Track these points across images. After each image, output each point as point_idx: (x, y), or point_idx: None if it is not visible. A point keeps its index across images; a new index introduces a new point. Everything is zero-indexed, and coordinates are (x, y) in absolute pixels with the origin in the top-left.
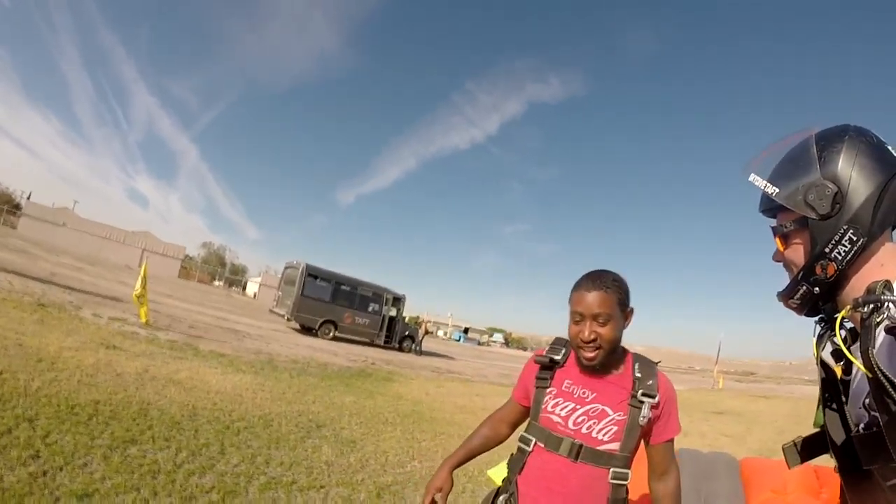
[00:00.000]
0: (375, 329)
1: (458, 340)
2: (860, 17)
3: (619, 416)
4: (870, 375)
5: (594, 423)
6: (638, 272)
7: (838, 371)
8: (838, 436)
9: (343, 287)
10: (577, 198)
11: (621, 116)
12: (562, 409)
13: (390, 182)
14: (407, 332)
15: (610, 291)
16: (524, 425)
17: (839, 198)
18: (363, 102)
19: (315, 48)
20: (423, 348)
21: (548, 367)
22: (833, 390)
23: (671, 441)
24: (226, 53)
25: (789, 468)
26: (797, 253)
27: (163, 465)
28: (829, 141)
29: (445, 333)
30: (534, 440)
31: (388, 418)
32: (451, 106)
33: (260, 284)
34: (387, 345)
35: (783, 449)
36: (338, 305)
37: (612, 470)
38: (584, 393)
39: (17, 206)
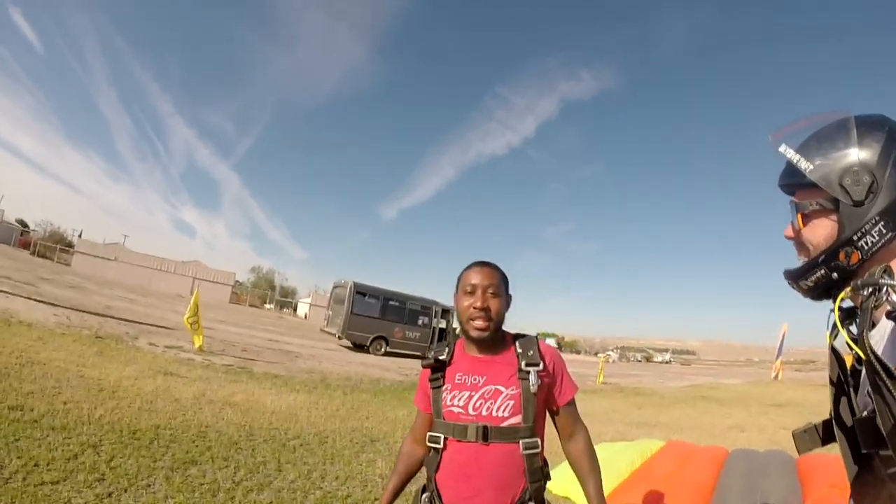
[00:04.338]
0: (426, 342)
1: None
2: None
3: (512, 390)
4: (864, 358)
5: (491, 402)
6: (691, 264)
7: (849, 360)
8: (846, 422)
9: (392, 302)
10: (620, 192)
11: (658, 106)
12: (459, 400)
13: (431, 194)
14: None
15: (498, 272)
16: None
17: (875, 187)
18: (396, 116)
19: (343, 64)
20: None
21: (438, 369)
22: (843, 378)
23: (572, 403)
24: (257, 78)
25: (799, 454)
26: (816, 234)
27: (222, 483)
28: (868, 128)
29: None
30: (442, 436)
31: None
32: (484, 111)
33: (310, 305)
34: None
35: (794, 435)
36: (387, 321)
37: (521, 442)
38: (475, 379)
39: (70, 244)
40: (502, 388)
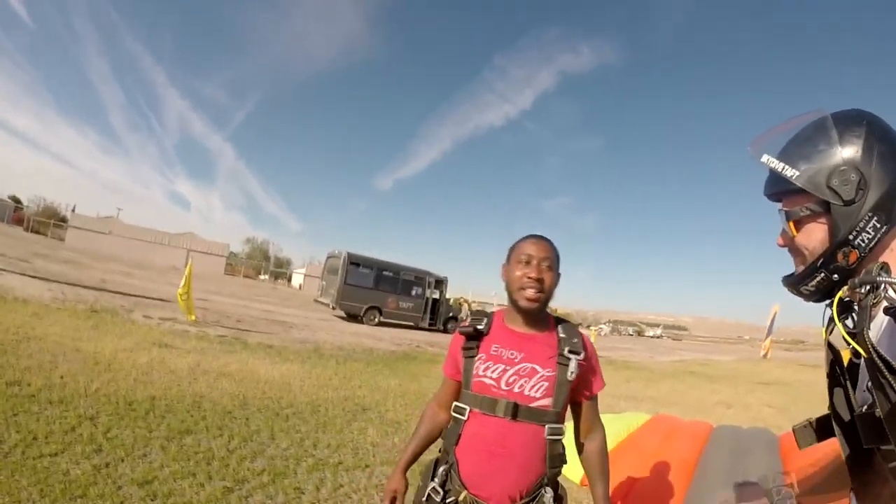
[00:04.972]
0: (419, 312)
1: None
2: None
3: (548, 372)
4: (865, 355)
5: (525, 381)
6: (687, 242)
7: (846, 355)
8: (844, 417)
9: (385, 273)
10: (617, 168)
11: (656, 82)
12: (493, 372)
13: (427, 164)
14: (451, 314)
15: (554, 248)
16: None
17: (863, 183)
18: (393, 87)
19: (341, 34)
20: None
21: (474, 337)
22: (840, 373)
23: (596, 398)
24: (252, 48)
25: (800, 449)
26: (811, 239)
27: (216, 451)
28: (847, 125)
29: None
30: (468, 408)
31: None
32: (482, 83)
33: (304, 275)
34: (431, 327)
35: (794, 430)
36: (381, 291)
37: (547, 426)
38: (512, 354)
39: (64, 219)
40: (539, 368)
